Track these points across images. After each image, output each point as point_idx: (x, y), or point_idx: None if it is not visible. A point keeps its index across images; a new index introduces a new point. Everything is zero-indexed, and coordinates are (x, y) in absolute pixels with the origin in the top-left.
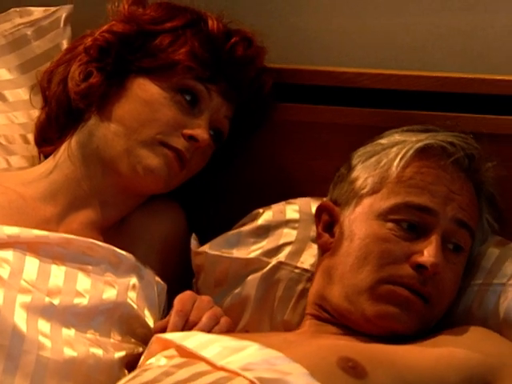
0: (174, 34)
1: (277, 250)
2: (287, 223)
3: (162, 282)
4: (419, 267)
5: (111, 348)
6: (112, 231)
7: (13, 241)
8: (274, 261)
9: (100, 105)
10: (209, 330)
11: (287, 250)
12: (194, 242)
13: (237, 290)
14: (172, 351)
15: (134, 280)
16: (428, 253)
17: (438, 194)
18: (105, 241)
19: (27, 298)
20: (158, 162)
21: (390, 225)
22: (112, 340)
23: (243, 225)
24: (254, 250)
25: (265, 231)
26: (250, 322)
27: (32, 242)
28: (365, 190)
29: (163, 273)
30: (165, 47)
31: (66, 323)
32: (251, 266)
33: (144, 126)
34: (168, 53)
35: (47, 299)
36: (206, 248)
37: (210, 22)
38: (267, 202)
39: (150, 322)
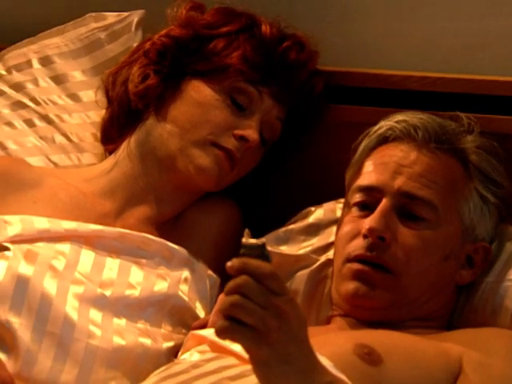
0: (228, 38)
1: (326, 247)
2: (337, 222)
3: (214, 276)
4: (365, 237)
5: (160, 338)
6: (167, 226)
7: (70, 234)
8: (322, 258)
9: (157, 106)
10: None
11: None
12: (246, 237)
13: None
14: (205, 347)
15: (186, 273)
16: (366, 221)
17: (386, 171)
18: (160, 236)
19: (80, 289)
20: (209, 161)
21: (352, 209)
22: (163, 330)
23: (294, 222)
24: (303, 247)
25: (315, 229)
26: None
27: (89, 236)
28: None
29: (218, 267)
30: (218, 51)
31: (117, 313)
32: (301, 262)
33: (196, 127)
34: (221, 56)
35: (99, 290)
36: None
37: (263, 27)
38: (319, 201)
39: (202, 314)
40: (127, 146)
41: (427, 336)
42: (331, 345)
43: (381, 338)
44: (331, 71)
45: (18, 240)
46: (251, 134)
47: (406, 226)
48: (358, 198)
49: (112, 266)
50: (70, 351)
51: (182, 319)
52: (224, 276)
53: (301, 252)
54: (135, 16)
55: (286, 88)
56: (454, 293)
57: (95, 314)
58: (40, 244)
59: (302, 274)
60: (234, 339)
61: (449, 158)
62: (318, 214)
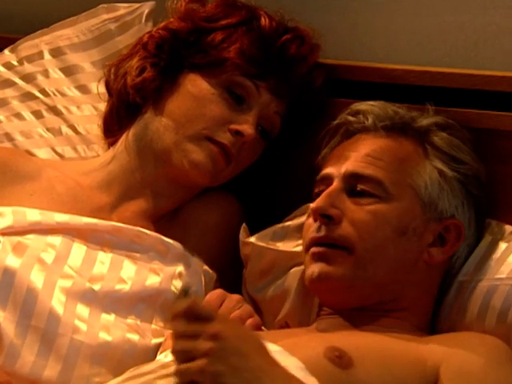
0: (227, 31)
1: None
2: None
3: (210, 271)
4: (315, 220)
5: (150, 334)
6: (164, 221)
7: (62, 227)
8: None
9: (155, 99)
10: None
11: None
12: (243, 233)
13: (279, 281)
14: None
15: (180, 268)
16: (314, 203)
17: (337, 160)
18: (156, 230)
19: (68, 283)
20: (204, 156)
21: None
22: (153, 326)
23: (292, 219)
24: (299, 245)
25: None
26: (290, 313)
27: (81, 229)
28: None
29: (216, 262)
30: (216, 44)
31: (106, 309)
32: (295, 259)
33: (191, 121)
34: (219, 50)
35: (88, 285)
36: (253, 239)
37: (262, 20)
38: None
39: None
40: (125, 139)
41: (407, 342)
42: (303, 347)
43: (355, 342)
44: (333, 65)
45: (8, 232)
46: (247, 128)
47: (355, 203)
48: (315, 190)
49: (104, 259)
50: (54, 346)
51: None
52: (221, 271)
53: (296, 249)
54: (146, 7)
55: (284, 82)
56: (426, 276)
57: (82, 309)
58: (31, 236)
59: (296, 270)
60: (192, 378)
61: (398, 137)
62: None
